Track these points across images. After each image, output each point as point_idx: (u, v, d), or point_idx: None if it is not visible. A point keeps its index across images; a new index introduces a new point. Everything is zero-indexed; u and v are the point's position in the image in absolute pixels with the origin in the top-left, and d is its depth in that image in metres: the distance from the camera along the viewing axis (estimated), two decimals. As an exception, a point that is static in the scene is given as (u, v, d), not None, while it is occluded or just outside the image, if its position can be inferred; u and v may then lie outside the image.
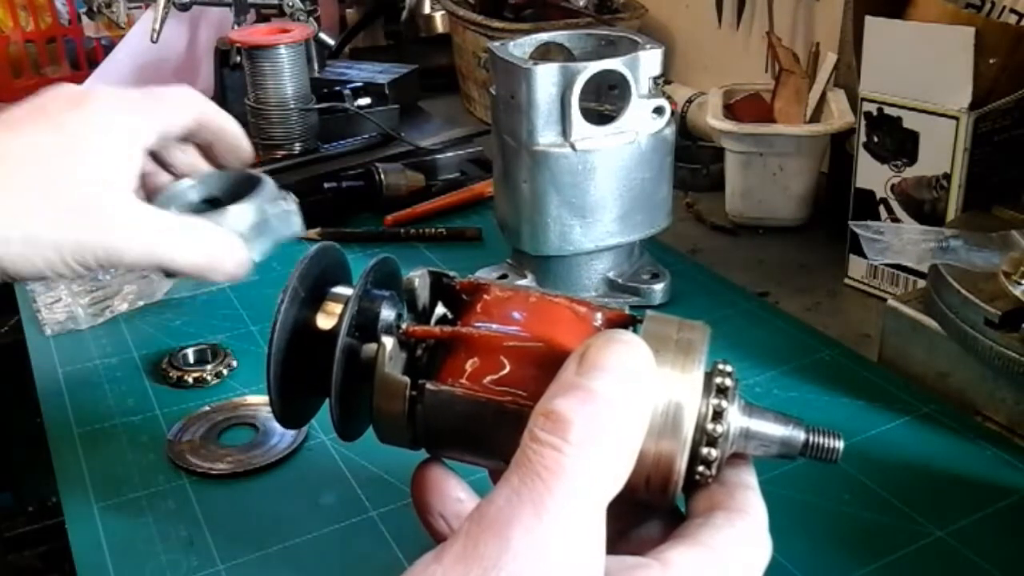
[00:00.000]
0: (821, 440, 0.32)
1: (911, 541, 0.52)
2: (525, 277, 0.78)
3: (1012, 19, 0.75)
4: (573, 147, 0.70)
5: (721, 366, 0.32)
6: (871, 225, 0.69)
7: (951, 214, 0.73)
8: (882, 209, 0.77)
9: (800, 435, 0.32)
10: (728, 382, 0.31)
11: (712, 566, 0.30)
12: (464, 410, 0.32)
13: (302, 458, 0.60)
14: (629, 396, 0.29)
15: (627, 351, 0.30)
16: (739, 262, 0.87)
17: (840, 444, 0.32)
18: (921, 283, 0.71)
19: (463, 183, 1.00)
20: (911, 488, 0.55)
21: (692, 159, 1.03)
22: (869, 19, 0.74)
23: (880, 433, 0.60)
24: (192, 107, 0.51)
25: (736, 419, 0.31)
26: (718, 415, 0.31)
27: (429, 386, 0.33)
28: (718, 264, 0.86)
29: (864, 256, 0.74)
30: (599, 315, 0.34)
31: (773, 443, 0.32)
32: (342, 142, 1.04)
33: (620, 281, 0.76)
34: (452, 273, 0.36)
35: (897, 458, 0.58)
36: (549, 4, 1.21)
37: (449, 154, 1.04)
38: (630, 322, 0.34)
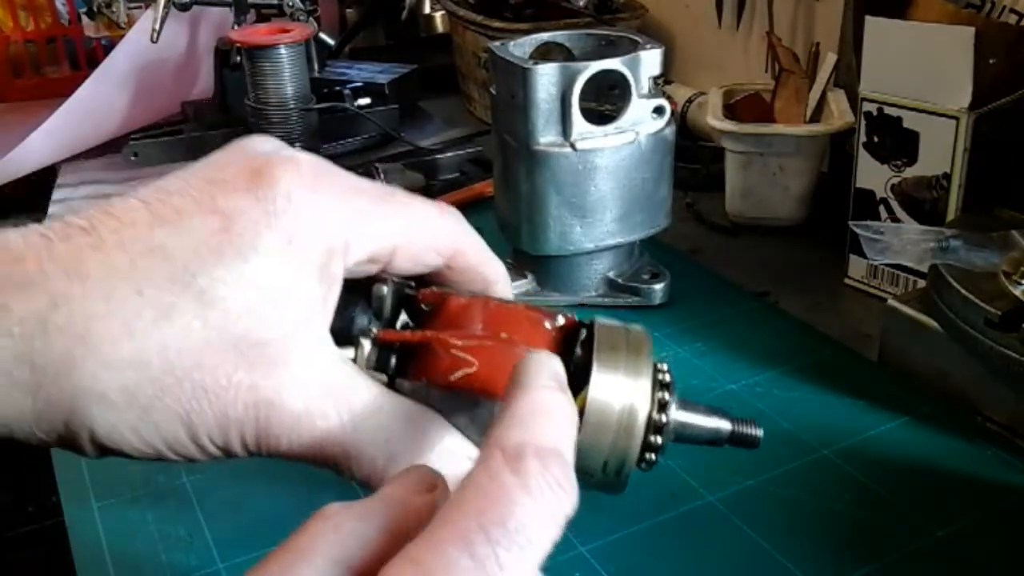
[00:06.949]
0: (744, 429, 0.37)
1: (911, 541, 0.52)
2: (525, 277, 0.78)
3: (1012, 19, 0.75)
4: (573, 147, 0.70)
5: (660, 365, 0.36)
6: (871, 225, 0.69)
7: (951, 214, 0.73)
8: (882, 209, 0.77)
9: (726, 425, 0.37)
10: (668, 379, 0.35)
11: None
12: (438, 405, 0.35)
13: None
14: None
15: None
16: (739, 262, 0.87)
17: (759, 432, 0.37)
18: (921, 283, 0.71)
19: (463, 183, 1.00)
20: (911, 488, 0.55)
21: (692, 159, 1.03)
22: (869, 19, 0.74)
23: (880, 433, 0.60)
24: (448, 240, 0.37)
25: (674, 415, 0.36)
26: (663, 410, 0.35)
27: (406, 384, 0.35)
28: (718, 264, 0.86)
29: (864, 256, 0.74)
30: (548, 321, 0.37)
31: (704, 432, 0.37)
32: (342, 142, 1.04)
33: (620, 281, 0.76)
34: (412, 283, 0.38)
35: (897, 458, 0.58)
36: (549, 4, 1.21)
37: (449, 154, 1.04)
38: (579, 327, 0.37)
